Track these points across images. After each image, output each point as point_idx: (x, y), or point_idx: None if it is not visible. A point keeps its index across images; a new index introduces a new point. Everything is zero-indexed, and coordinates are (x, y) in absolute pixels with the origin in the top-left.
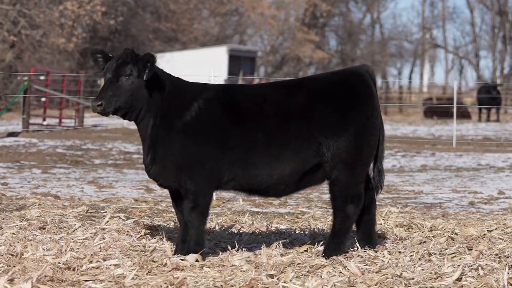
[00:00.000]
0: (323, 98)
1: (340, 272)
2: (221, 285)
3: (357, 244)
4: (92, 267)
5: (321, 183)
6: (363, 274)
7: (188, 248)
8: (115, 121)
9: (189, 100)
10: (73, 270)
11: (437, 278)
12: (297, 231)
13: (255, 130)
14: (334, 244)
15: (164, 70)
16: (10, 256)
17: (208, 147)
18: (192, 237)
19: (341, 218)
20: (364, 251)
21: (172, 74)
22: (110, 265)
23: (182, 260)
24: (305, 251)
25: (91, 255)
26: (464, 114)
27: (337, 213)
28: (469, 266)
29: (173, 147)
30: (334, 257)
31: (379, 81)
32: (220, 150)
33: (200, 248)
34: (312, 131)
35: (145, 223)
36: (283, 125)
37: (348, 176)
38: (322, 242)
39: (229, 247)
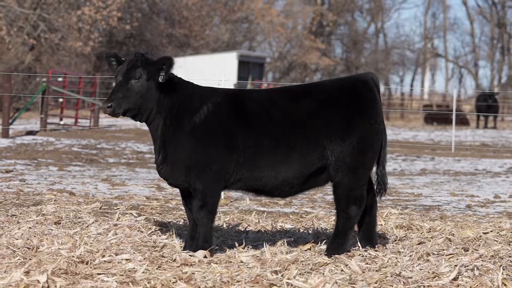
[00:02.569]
0: (329, 104)
1: (342, 270)
2: (227, 281)
3: (359, 243)
4: (105, 261)
5: (325, 184)
6: (363, 272)
7: (197, 245)
8: (129, 122)
9: (199, 103)
10: (87, 263)
11: (435, 277)
12: (301, 230)
13: (262, 133)
14: (337, 243)
15: (176, 74)
16: (27, 249)
17: (216, 149)
18: (201, 234)
19: (344, 218)
20: (365, 251)
21: (184, 77)
22: (122, 259)
23: (191, 255)
24: (308, 249)
25: (104, 249)
26: (463, 121)
27: (340, 214)
28: (465, 267)
29: (183, 148)
30: (336, 255)
31: (382, 88)
32: (228, 152)
33: (208, 245)
34: (318, 135)
35: (155, 220)
36: (290, 129)
37: (351, 179)
38: (325, 241)
39: (236, 244)
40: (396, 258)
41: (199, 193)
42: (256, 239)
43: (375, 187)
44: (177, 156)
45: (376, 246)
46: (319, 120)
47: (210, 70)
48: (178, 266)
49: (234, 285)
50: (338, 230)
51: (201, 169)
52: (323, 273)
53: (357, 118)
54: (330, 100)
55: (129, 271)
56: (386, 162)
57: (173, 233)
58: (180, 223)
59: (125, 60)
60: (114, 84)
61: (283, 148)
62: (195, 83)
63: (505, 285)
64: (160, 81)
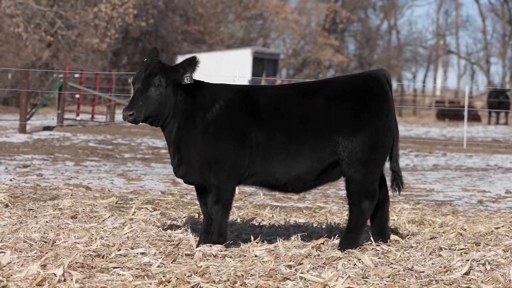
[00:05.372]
0: (341, 100)
1: (355, 264)
2: (242, 274)
3: (371, 238)
4: (120, 255)
5: (338, 179)
6: (376, 266)
7: (211, 239)
8: None
9: (210, 101)
10: (102, 257)
11: (447, 271)
12: (315, 225)
13: (275, 129)
14: (350, 238)
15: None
16: (44, 243)
17: (229, 144)
18: (215, 229)
19: (357, 213)
20: (378, 245)
21: (199, 74)
22: (137, 253)
23: (208, 247)
24: (321, 244)
25: (120, 243)
26: (474, 117)
27: (353, 209)
28: (477, 261)
29: (196, 146)
30: (349, 250)
31: (394, 84)
32: (241, 148)
33: (222, 239)
34: (330, 131)
35: (170, 214)
36: (302, 124)
37: (363, 174)
38: (338, 235)
39: (252, 238)
40: (409, 252)
41: (214, 188)
42: (270, 234)
43: (391, 183)
44: (191, 155)
45: (389, 240)
46: (331, 116)
47: (225, 66)
48: (195, 261)
49: (248, 278)
50: (351, 224)
51: (215, 165)
52: (336, 268)
53: (369, 114)
54: (342, 97)
55: (145, 265)
56: (399, 158)
57: (188, 228)
58: (195, 218)
59: (143, 64)
60: (132, 91)
61: (295, 144)
62: (209, 80)
63: None
64: (187, 82)
